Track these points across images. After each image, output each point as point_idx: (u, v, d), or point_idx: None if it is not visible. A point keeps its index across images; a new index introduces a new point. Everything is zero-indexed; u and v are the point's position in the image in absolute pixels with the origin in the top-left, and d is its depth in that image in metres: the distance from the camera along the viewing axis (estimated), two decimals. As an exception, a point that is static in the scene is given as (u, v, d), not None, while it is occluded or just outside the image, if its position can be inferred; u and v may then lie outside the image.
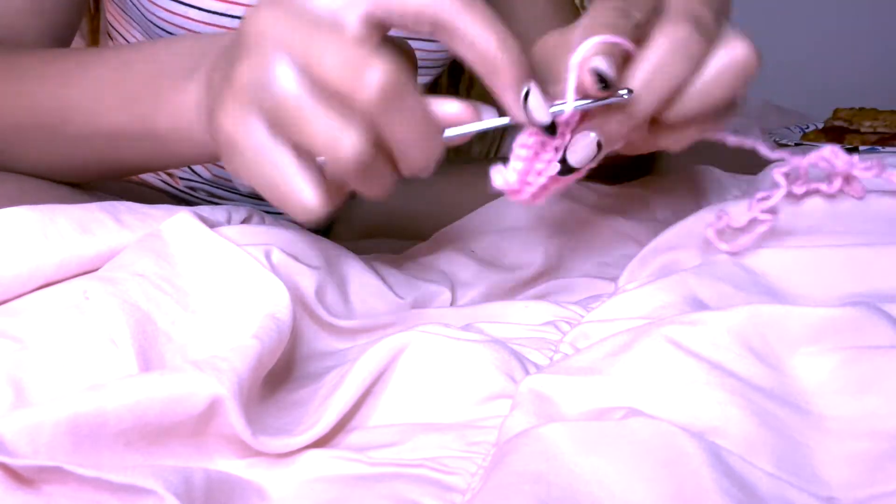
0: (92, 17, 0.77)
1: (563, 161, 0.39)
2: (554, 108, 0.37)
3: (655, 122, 0.41)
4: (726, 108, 0.42)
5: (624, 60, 0.38)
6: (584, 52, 0.37)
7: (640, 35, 0.39)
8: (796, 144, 1.14)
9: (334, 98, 0.35)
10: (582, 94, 0.38)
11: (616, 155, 0.42)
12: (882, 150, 1.14)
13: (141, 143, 0.47)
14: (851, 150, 1.13)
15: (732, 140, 0.43)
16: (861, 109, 1.26)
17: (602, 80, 0.37)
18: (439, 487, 0.31)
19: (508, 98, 0.37)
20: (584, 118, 0.39)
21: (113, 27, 0.74)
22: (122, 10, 0.70)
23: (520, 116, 0.37)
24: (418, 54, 0.68)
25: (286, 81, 0.35)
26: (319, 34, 0.35)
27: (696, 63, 0.39)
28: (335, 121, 0.34)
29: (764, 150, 0.43)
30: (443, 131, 0.37)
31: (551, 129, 0.38)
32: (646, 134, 0.42)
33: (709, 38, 0.39)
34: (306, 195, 0.35)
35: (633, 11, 0.39)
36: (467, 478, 0.32)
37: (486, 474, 0.31)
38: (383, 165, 0.36)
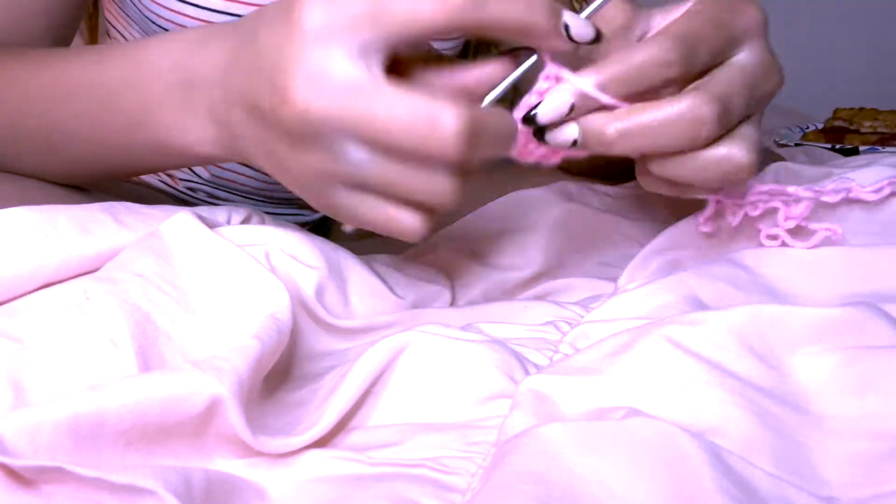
0: (90, 15, 0.77)
1: (533, 121, 0.39)
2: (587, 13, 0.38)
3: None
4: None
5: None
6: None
7: (684, 80, 0.38)
8: (796, 144, 1.14)
9: (402, 153, 0.35)
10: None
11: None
12: (882, 150, 1.15)
13: (154, 157, 0.47)
14: (851, 151, 1.14)
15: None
16: (861, 109, 1.26)
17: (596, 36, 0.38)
18: (439, 487, 0.31)
19: (554, 42, 0.37)
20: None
21: (112, 25, 0.74)
22: (121, 8, 0.70)
23: (566, 45, 0.38)
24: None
25: (363, 166, 0.36)
26: (369, 102, 0.34)
27: (695, 145, 0.38)
28: (426, 181, 0.36)
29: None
30: (514, 123, 0.38)
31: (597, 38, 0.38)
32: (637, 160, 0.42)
33: (725, 127, 0.39)
34: (410, 229, 0.38)
35: (694, 57, 0.38)
36: (467, 478, 0.32)
37: (486, 474, 0.31)
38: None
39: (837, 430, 0.32)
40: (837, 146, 1.13)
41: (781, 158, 0.65)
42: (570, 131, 0.39)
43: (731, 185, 0.39)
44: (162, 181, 0.75)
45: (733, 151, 0.39)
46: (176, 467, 0.29)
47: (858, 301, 0.37)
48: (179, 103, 0.42)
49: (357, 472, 0.32)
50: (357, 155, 0.36)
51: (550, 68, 0.38)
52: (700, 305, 0.41)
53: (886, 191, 0.43)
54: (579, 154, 0.40)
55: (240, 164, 0.43)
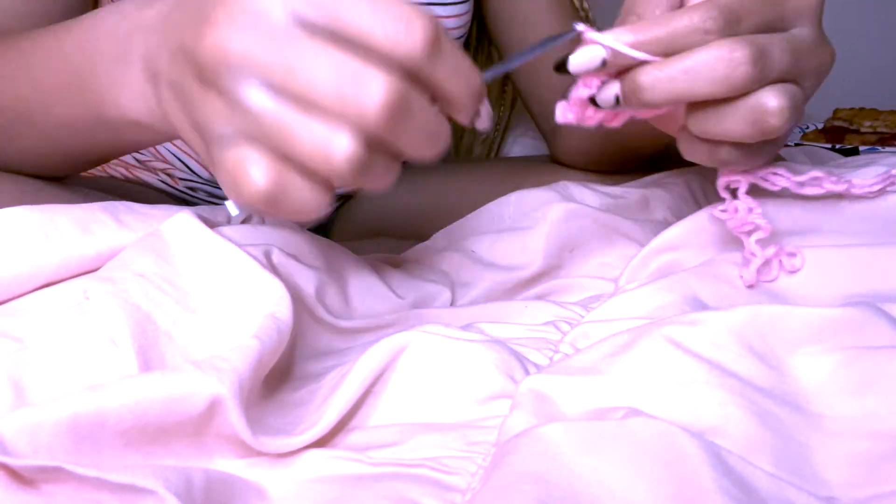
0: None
1: (564, 69, 0.40)
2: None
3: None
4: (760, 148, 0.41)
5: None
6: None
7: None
8: (796, 144, 1.14)
9: (316, 106, 0.32)
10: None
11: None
12: (882, 150, 1.15)
13: (98, 133, 0.46)
14: (851, 151, 1.14)
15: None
16: (861, 109, 1.26)
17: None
18: (439, 487, 0.31)
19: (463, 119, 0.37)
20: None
21: None
22: None
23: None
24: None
25: (259, 101, 0.32)
26: (295, 43, 0.32)
27: (731, 90, 0.38)
28: (321, 130, 0.32)
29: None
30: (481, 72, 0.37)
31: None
32: (678, 127, 0.42)
33: (764, 76, 0.38)
34: (304, 203, 0.33)
35: (741, 24, 0.38)
36: (467, 478, 0.32)
37: (487, 474, 0.31)
38: (383, 160, 0.34)
39: (837, 430, 0.32)
40: (837, 146, 1.14)
41: (782, 158, 0.65)
42: (612, 89, 0.40)
43: (763, 137, 0.39)
44: (161, 181, 0.75)
45: (766, 97, 0.38)
46: (176, 467, 0.29)
47: (858, 301, 0.37)
48: (116, 55, 0.41)
49: (357, 472, 0.32)
50: (258, 99, 0.33)
51: (587, 33, 0.39)
52: (700, 305, 0.41)
53: (877, 187, 0.43)
54: (633, 114, 0.41)
55: (165, 130, 0.40)
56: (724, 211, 0.43)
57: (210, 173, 0.73)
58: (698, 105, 0.39)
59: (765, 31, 0.39)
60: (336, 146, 0.33)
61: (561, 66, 0.40)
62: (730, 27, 0.38)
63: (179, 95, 0.36)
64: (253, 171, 0.33)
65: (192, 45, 0.34)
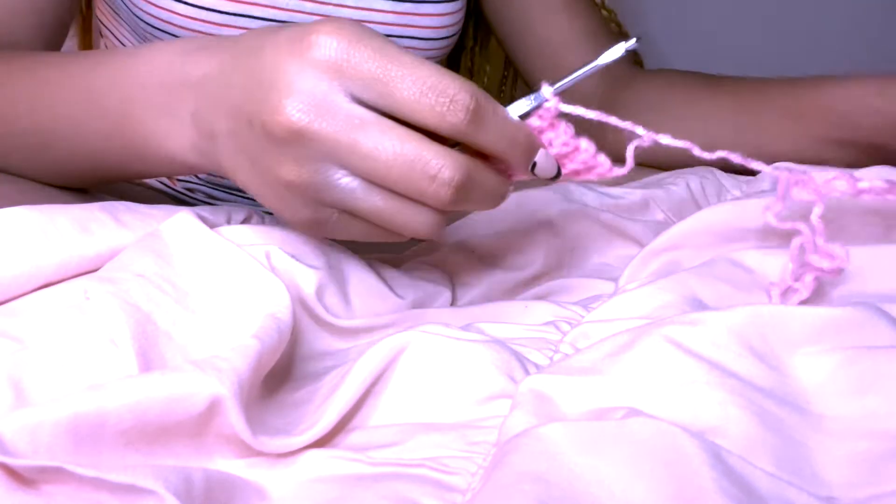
0: (84, 16, 0.77)
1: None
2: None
3: None
4: None
5: None
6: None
7: None
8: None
9: (394, 191, 0.37)
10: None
11: None
12: (882, 150, 1.14)
13: (134, 164, 0.47)
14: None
15: (736, 159, 0.42)
16: (861, 109, 1.26)
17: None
18: (439, 487, 0.31)
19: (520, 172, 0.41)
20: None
21: (104, 25, 0.74)
22: (112, 8, 0.70)
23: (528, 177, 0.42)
24: (425, 33, 0.69)
25: (353, 194, 0.37)
26: (368, 134, 0.36)
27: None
28: (408, 209, 0.37)
29: (766, 168, 0.42)
30: (505, 184, 0.40)
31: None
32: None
33: None
34: (402, 239, 0.40)
35: None
36: (467, 478, 0.32)
37: (487, 474, 0.31)
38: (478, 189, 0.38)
39: (837, 430, 0.32)
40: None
41: (781, 158, 0.65)
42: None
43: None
44: (160, 181, 0.75)
45: None
46: (176, 467, 0.29)
47: (858, 301, 0.37)
48: (162, 105, 0.42)
49: (357, 472, 0.32)
50: (347, 183, 0.37)
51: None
52: (700, 305, 0.41)
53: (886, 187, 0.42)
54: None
55: (216, 174, 0.44)
56: (801, 249, 0.40)
57: (208, 174, 0.73)
58: None
59: None
60: (423, 220, 0.38)
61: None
62: None
63: (252, 165, 0.39)
64: (354, 229, 0.39)
65: (262, 126, 0.37)
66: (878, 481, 0.29)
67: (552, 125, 0.41)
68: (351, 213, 0.39)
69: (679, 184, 0.60)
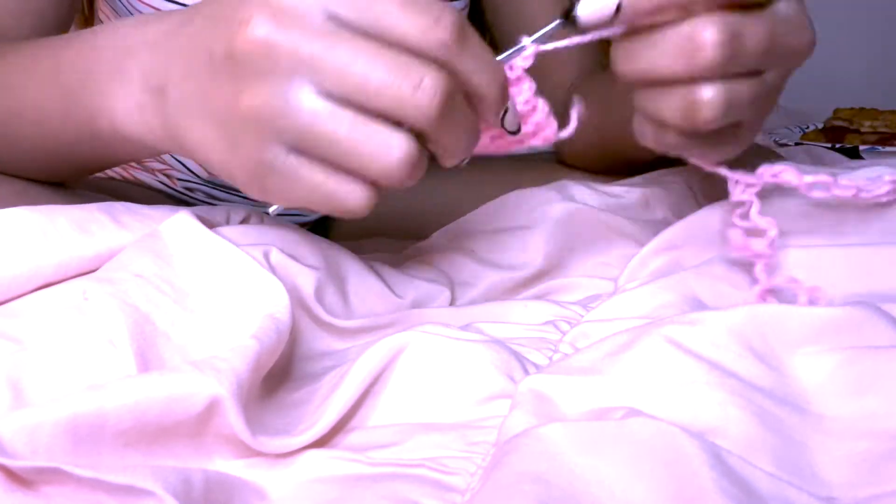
0: (86, 18, 0.77)
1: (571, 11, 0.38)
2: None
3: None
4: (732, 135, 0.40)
5: None
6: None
7: None
8: (796, 144, 1.14)
9: (364, 108, 0.33)
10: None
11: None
12: (882, 149, 1.15)
13: (88, 145, 0.46)
14: (851, 150, 1.14)
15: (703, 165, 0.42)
16: (861, 109, 1.26)
17: None
18: (439, 487, 0.31)
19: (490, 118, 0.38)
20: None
21: None
22: (113, 9, 0.70)
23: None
24: None
25: (315, 117, 0.33)
26: (345, 43, 0.32)
27: (686, 68, 0.36)
28: (379, 134, 0.33)
29: (719, 171, 0.42)
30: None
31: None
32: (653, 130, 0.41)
33: (729, 61, 0.36)
34: (351, 203, 0.35)
35: None
36: (467, 478, 0.32)
37: (486, 474, 0.31)
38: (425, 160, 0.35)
39: (837, 430, 0.32)
40: (837, 146, 1.14)
41: (782, 158, 0.65)
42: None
43: (696, 129, 0.37)
44: (160, 181, 0.75)
45: (699, 90, 0.36)
46: (175, 467, 0.29)
47: (858, 301, 0.37)
48: (112, 72, 0.41)
49: (356, 472, 0.32)
50: (311, 103, 0.33)
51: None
52: (700, 305, 0.41)
53: (885, 199, 0.42)
54: (622, 23, 0.38)
55: (161, 146, 0.40)
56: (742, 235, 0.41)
57: (209, 174, 0.73)
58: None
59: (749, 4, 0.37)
60: (395, 148, 0.33)
61: (568, 17, 0.38)
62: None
63: (204, 105, 0.36)
64: (303, 178, 0.34)
65: (226, 47, 0.34)
66: (878, 481, 0.29)
67: (518, 80, 0.40)
68: (306, 154, 0.34)
69: (679, 182, 0.60)
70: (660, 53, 0.37)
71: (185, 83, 0.37)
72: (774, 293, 0.41)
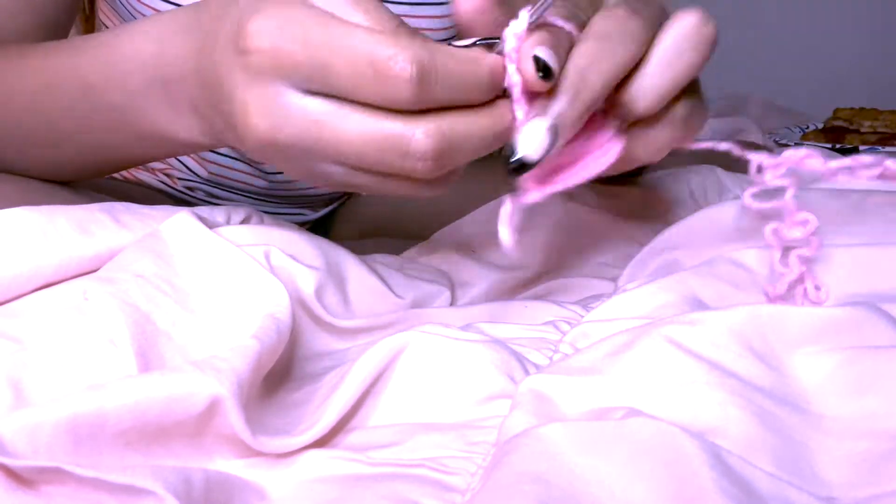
0: (87, 17, 0.77)
1: (515, 163, 0.37)
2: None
3: (630, 126, 0.40)
4: (694, 113, 0.41)
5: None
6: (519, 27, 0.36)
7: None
8: (796, 144, 1.14)
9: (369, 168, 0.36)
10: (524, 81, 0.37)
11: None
12: (882, 149, 1.15)
13: (135, 149, 0.47)
14: (851, 151, 1.14)
15: (703, 145, 0.41)
16: (861, 109, 1.26)
17: (544, 71, 0.35)
18: (439, 487, 0.31)
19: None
20: (532, 99, 0.37)
21: (105, 26, 0.74)
22: (114, 9, 0.70)
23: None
24: (424, 23, 0.68)
25: (341, 176, 0.37)
26: (334, 126, 0.35)
27: (640, 42, 0.37)
28: (392, 186, 0.37)
29: (737, 152, 0.41)
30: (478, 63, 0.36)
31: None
32: (624, 150, 0.41)
33: (650, 21, 0.38)
34: (415, 193, 0.38)
35: (578, 11, 0.38)
36: (467, 478, 0.32)
37: (486, 474, 0.31)
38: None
39: (837, 430, 0.32)
40: (837, 146, 1.14)
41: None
42: (535, 126, 0.37)
43: (706, 46, 0.38)
44: (160, 181, 0.75)
45: (680, 19, 0.38)
46: (176, 467, 0.29)
47: (858, 301, 0.37)
48: (162, 98, 0.42)
49: (357, 472, 0.32)
50: (334, 168, 0.37)
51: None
52: (700, 305, 0.41)
53: None
54: (562, 143, 0.38)
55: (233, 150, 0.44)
56: (775, 232, 0.40)
57: (208, 171, 0.73)
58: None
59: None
60: (413, 194, 0.37)
61: (520, 166, 0.37)
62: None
63: (236, 136, 0.38)
64: (355, 185, 0.37)
65: (233, 129, 0.37)
66: (878, 481, 0.29)
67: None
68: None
69: (679, 182, 0.60)
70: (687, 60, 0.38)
71: (217, 115, 0.39)
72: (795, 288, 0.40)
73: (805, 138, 1.21)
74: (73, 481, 0.27)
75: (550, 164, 0.39)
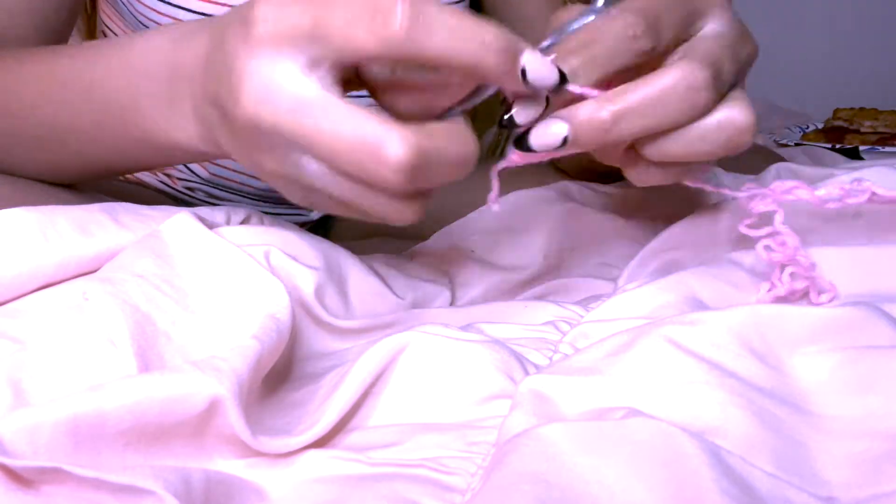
0: (88, 17, 0.77)
1: (522, 137, 0.37)
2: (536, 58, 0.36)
3: (634, 149, 0.40)
4: (699, 167, 0.41)
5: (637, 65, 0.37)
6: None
7: (655, 54, 0.37)
8: (796, 144, 1.14)
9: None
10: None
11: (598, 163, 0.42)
12: (882, 149, 1.15)
13: (140, 154, 0.47)
14: (851, 151, 1.13)
15: (696, 185, 0.42)
16: (861, 109, 1.26)
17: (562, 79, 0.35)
18: (439, 487, 0.31)
19: (510, 86, 0.36)
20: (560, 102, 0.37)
21: (107, 26, 0.74)
22: (115, 8, 0.70)
23: (523, 90, 0.36)
24: None
25: (319, 178, 0.36)
26: (315, 118, 0.34)
27: (694, 115, 0.37)
28: (377, 202, 0.35)
29: (727, 192, 0.42)
30: (470, 147, 0.36)
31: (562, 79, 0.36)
32: (622, 155, 0.41)
33: (719, 93, 0.37)
34: (393, 220, 0.37)
35: (659, 28, 0.37)
36: (467, 478, 0.32)
37: (486, 474, 0.31)
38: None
39: (837, 430, 0.32)
40: (837, 146, 1.14)
41: (781, 158, 0.65)
42: (556, 129, 0.37)
43: (735, 151, 0.38)
44: (161, 181, 0.75)
45: (733, 114, 0.38)
46: (176, 467, 0.29)
47: (858, 301, 0.37)
48: (166, 98, 0.42)
49: (357, 472, 0.32)
50: (311, 166, 0.35)
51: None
52: (700, 305, 0.41)
53: None
54: (569, 152, 0.38)
55: (226, 158, 0.43)
56: (768, 248, 0.40)
57: (208, 172, 0.73)
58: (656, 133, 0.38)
59: (684, 26, 0.38)
60: (384, 211, 0.36)
61: (504, 126, 0.37)
62: (653, 29, 0.37)
63: (239, 152, 0.39)
64: (336, 208, 0.37)
65: (230, 111, 0.36)
66: (878, 481, 0.29)
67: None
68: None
69: (679, 183, 0.60)
70: (670, 109, 0.37)
71: (218, 125, 0.39)
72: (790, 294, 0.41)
73: (805, 138, 1.21)
74: (73, 481, 0.27)
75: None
